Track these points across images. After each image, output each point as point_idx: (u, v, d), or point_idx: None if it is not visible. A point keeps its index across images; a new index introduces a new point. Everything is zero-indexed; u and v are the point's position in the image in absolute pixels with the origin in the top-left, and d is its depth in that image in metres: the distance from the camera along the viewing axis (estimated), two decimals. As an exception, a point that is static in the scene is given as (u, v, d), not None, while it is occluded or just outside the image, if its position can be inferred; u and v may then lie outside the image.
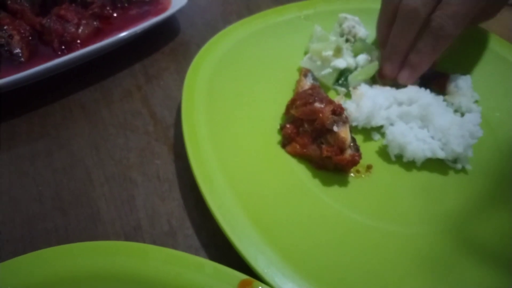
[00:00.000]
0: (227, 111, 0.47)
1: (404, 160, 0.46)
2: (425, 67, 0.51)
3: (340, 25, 0.59)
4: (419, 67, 0.50)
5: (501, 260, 0.37)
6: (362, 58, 0.54)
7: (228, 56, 0.52)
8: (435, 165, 0.46)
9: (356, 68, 0.55)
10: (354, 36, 0.57)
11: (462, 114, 0.50)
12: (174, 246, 0.38)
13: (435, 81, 0.54)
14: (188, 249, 0.38)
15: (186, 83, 0.47)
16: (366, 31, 0.58)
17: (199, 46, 0.51)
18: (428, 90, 0.51)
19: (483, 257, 0.38)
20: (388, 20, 0.51)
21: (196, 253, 0.38)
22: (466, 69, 0.57)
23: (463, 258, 0.38)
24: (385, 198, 0.43)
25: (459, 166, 0.46)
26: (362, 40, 0.57)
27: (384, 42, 0.53)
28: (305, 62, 0.55)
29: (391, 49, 0.51)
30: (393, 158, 0.46)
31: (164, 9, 0.57)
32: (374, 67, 0.53)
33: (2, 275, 0.30)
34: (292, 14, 0.60)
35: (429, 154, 0.45)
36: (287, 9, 0.60)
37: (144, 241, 0.39)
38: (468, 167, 0.46)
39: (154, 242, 0.39)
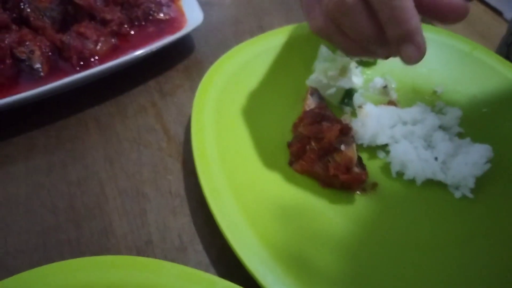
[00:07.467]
0: (236, 128, 0.48)
1: (405, 178, 0.47)
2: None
3: None
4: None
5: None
6: (378, 81, 0.56)
7: (237, 74, 0.53)
8: (440, 186, 0.46)
9: (369, 89, 0.56)
10: None
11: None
12: (184, 262, 0.39)
13: None
14: (198, 265, 0.39)
15: (195, 100, 0.48)
16: None
17: (212, 64, 0.53)
18: (433, 113, 0.52)
19: (490, 279, 0.38)
20: None
21: (206, 269, 0.39)
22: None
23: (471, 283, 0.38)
24: (392, 216, 0.44)
25: (458, 193, 0.46)
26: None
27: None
28: (311, 81, 0.56)
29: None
30: (394, 175, 0.47)
31: (179, 28, 0.59)
32: (387, 97, 0.55)
33: (16, 287, 0.31)
34: (301, 33, 0.61)
35: (429, 175, 0.45)
36: (296, 29, 0.61)
37: (155, 256, 0.39)
38: (470, 196, 0.45)
39: (165, 257, 0.39)
